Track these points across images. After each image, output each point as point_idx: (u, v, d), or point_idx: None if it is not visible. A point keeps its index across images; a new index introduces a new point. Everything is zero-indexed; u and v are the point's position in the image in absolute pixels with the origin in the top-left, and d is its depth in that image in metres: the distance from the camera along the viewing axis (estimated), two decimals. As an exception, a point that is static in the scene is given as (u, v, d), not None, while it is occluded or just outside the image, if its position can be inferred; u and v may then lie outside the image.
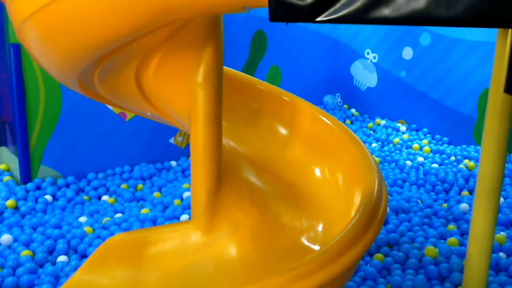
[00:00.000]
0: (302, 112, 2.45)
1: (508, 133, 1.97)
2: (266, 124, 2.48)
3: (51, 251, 2.78)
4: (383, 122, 5.11)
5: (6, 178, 3.60)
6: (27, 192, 3.48)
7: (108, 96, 2.07)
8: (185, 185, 3.61)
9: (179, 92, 1.91)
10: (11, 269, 2.55)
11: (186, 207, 3.21)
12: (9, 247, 2.79)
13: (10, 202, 3.28)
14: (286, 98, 2.49)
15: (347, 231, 1.66)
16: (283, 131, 2.48)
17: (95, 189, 3.64)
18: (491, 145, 1.97)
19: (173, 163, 4.09)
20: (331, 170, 2.11)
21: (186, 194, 3.40)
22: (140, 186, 3.71)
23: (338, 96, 5.66)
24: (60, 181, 3.60)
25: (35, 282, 2.48)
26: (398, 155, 4.31)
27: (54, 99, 3.54)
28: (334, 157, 2.24)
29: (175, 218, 3.11)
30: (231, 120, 2.43)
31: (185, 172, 3.99)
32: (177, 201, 3.32)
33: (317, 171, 2.29)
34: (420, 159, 4.16)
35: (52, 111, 3.55)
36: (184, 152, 4.23)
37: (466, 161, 4.09)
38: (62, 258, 2.68)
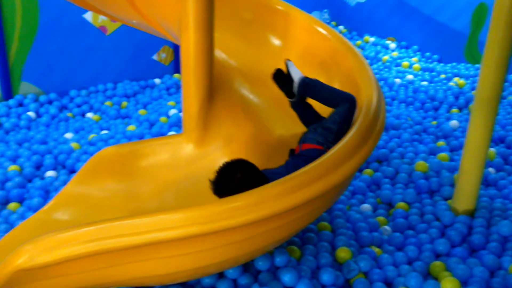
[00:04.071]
0: (297, 22, 2.33)
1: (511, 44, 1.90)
2: (258, 35, 2.37)
3: (38, 167, 2.73)
4: (372, 39, 4.99)
5: (-14, 94, 3.47)
6: (10, 108, 3.37)
7: (91, 0, 1.93)
8: (171, 103, 3.53)
9: (169, -5, 1.79)
10: (0, 183, 2.51)
11: (172, 125, 3.15)
12: (-6, 163, 2.73)
13: (-8, 119, 3.18)
14: (279, 7, 2.37)
15: (346, 142, 1.62)
16: (276, 42, 2.38)
17: (79, 106, 3.54)
18: (493, 55, 1.90)
19: (157, 80, 3.97)
20: (328, 81, 2.04)
21: (172, 112, 3.32)
22: (124, 103, 3.62)
23: (326, 12, 5.47)
24: (42, 98, 3.49)
25: (25, 196, 2.44)
26: (387, 73, 4.24)
27: (31, 10, 3.34)
28: (331, 68, 2.16)
29: (162, 135, 3.06)
30: (222, 31, 2.31)
31: (169, 90, 3.89)
32: (163, 119, 3.26)
33: (312, 83, 2.22)
34: (410, 76, 4.10)
35: (30, 24, 3.36)
36: (168, 69, 4.10)
37: (456, 78, 4.05)
38: (50, 173, 2.64)
